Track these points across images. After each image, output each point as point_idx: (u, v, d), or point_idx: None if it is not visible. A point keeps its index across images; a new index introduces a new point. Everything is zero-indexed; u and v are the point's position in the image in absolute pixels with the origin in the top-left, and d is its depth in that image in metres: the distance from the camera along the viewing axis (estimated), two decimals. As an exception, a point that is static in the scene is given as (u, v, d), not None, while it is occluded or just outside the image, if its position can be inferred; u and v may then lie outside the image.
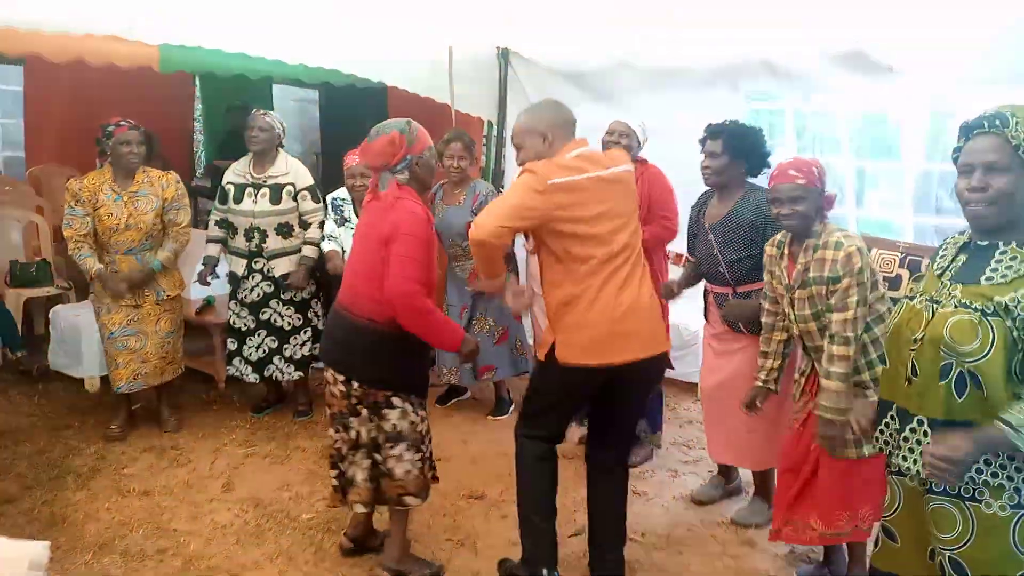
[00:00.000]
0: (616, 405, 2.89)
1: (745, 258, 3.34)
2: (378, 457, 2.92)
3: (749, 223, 3.31)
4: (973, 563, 1.87)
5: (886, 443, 2.06)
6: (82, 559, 3.13)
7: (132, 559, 3.15)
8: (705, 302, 3.62)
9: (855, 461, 2.76)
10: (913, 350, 1.93)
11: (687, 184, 3.74)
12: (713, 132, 3.39)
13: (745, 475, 3.79)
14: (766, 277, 2.99)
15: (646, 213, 3.81)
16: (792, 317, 2.85)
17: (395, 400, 2.87)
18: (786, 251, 2.88)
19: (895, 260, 3.90)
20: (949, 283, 1.92)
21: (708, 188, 3.52)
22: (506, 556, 3.10)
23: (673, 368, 3.85)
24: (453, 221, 4.39)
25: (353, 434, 2.93)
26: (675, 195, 3.91)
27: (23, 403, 4.68)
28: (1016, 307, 1.79)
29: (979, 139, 1.89)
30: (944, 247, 2.05)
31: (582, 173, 2.68)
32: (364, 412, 2.89)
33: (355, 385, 2.88)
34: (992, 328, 1.80)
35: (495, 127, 5.31)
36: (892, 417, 2.02)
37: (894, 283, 3.70)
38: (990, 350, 1.80)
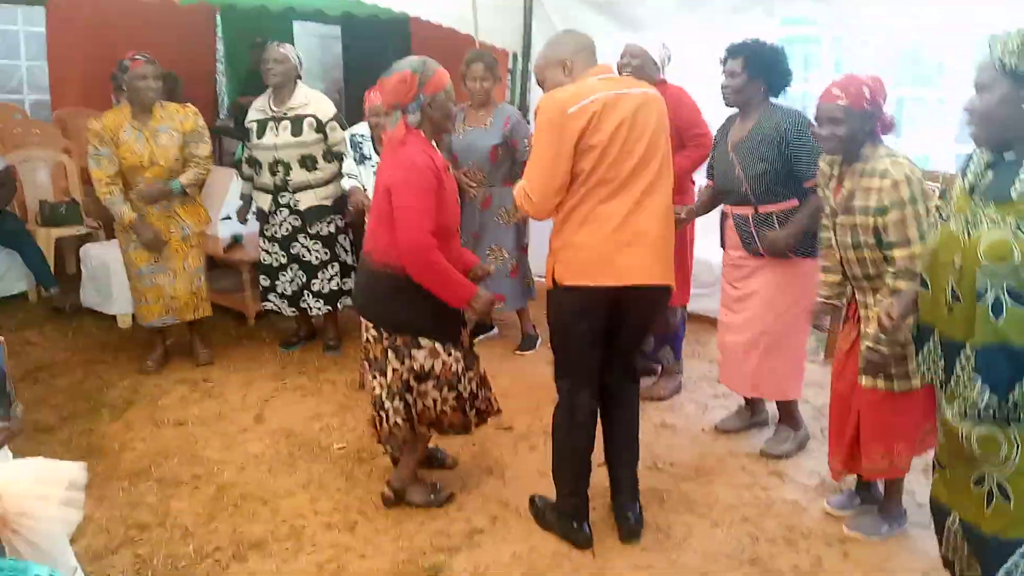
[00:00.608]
0: (617, 329, 2.82)
1: (763, 173, 3.25)
2: (409, 398, 2.91)
3: (769, 137, 3.23)
4: (1016, 485, 1.86)
5: (928, 369, 2.01)
6: (119, 485, 3.21)
7: (167, 486, 3.22)
8: (722, 228, 3.55)
9: (890, 395, 2.70)
10: (954, 273, 1.88)
11: (722, 111, 3.62)
12: (734, 51, 3.29)
13: (771, 407, 3.76)
14: (820, 193, 2.88)
15: (675, 136, 3.73)
16: (835, 243, 2.76)
17: (422, 340, 2.86)
18: (835, 172, 2.75)
19: (935, 192, 3.79)
20: (981, 201, 1.87)
21: (732, 112, 3.44)
22: (536, 492, 3.11)
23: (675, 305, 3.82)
24: (476, 143, 4.30)
25: (390, 376, 2.90)
26: (700, 111, 3.79)
27: (58, 339, 4.76)
28: None
29: (982, 61, 1.87)
30: (972, 161, 1.97)
31: (602, 91, 2.60)
32: (392, 353, 2.88)
33: (382, 331, 2.89)
34: None
35: (520, 60, 5.18)
36: (935, 344, 1.97)
37: (934, 214, 3.60)
38: None
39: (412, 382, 2.89)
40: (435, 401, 2.92)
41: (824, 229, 2.92)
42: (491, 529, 2.98)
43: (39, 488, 1.96)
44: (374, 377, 2.95)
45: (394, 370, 2.88)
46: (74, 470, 2.11)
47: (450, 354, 2.90)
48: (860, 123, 2.59)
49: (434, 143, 2.86)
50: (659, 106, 2.73)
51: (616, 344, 2.86)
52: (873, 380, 2.71)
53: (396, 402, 2.90)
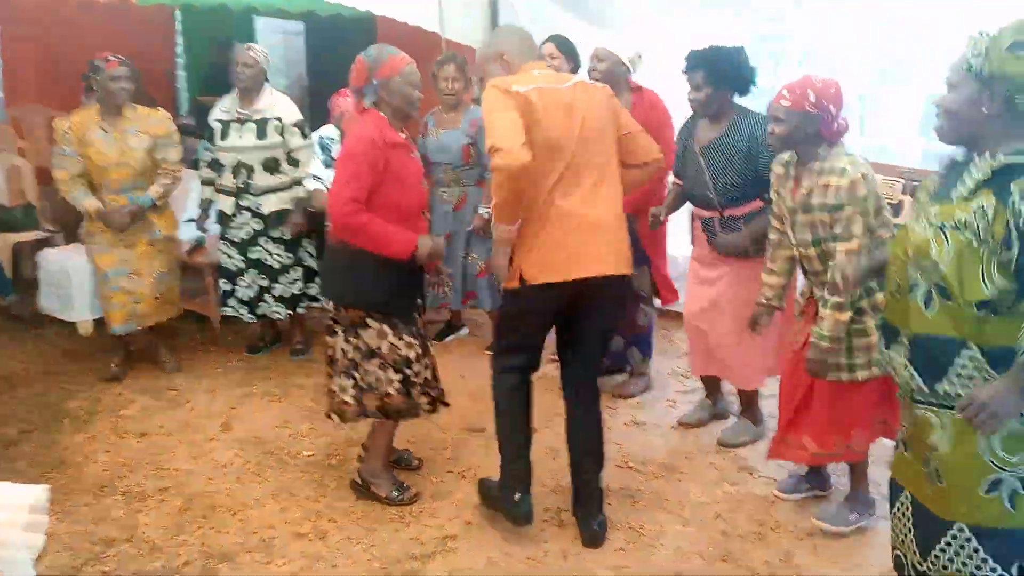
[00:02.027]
0: (578, 325, 2.85)
1: (734, 184, 3.31)
2: (356, 375, 2.96)
3: (743, 151, 3.27)
4: (946, 468, 1.94)
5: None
6: (83, 500, 3.14)
7: (133, 499, 3.16)
8: (692, 226, 3.58)
9: (847, 384, 2.79)
10: (896, 268, 1.98)
11: (689, 111, 3.64)
12: (692, 64, 3.30)
13: (731, 400, 3.84)
14: (773, 196, 2.94)
15: None
16: (792, 240, 2.83)
17: (369, 321, 2.90)
18: (792, 172, 2.81)
19: (896, 186, 3.86)
20: (931, 201, 1.96)
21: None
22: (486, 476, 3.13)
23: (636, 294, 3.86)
24: (448, 144, 4.31)
25: (329, 352, 3.00)
26: (672, 124, 3.79)
27: (16, 349, 4.65)
28: (974, 218, 1.80)
29: (956, 59, 1.93)
30: (943, 165, 2.06)
31: (542, 83, 2.66)
32: (340, 332, 2.95)
33: (334, 307, 2.98)
34: (947, 239, 1.83)
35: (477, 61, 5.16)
36: (891, 337, 2.05)
37: (895, 210, 3.67)
38: (948, 259, 1.83)
39: (359, 360, 2.93)
40: (378, 380, 2.94)
41: (773, 231, 2.99)
42: (465, 535, 2.97)
43: (1, 515, 1.92)
44: (327, 350, 3.03)
45: (342, 349, 2.95)
46: (36, 493, 2.07)
47: (400, 338, 2.93)
48: (800, 124, 2.66)
49: (403, 132, 2.90)
50: (598, 95, 2.78)
51: (577, 343, 2.88)
52: (836, 373, 2.79)
53: (344, 379, 2.97)
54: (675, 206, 3.69)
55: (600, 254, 2.70)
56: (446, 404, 3.20)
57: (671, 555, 2.88)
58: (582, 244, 2.67)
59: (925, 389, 1.94)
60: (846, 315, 2.64)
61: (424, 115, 4.44)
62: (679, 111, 3.75)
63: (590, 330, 2.88)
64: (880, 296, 2.50)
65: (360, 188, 2.74)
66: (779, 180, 2.89)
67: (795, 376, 2.96)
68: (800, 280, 3.02)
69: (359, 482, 3.16)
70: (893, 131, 4.78)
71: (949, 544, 1.95)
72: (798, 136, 2.68)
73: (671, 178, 3.76)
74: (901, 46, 4.60)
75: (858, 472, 3.00)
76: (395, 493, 3.12)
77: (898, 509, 2.14)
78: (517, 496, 2.88)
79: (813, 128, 2.66)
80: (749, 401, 3.69)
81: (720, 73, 3.27)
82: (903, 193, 3.84)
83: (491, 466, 3.35)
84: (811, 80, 2.70)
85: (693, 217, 3.56)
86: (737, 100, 3.38)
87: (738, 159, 3.28)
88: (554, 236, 2.66)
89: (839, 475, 3.20)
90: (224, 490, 3.23)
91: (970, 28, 1.91)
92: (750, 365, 3.54)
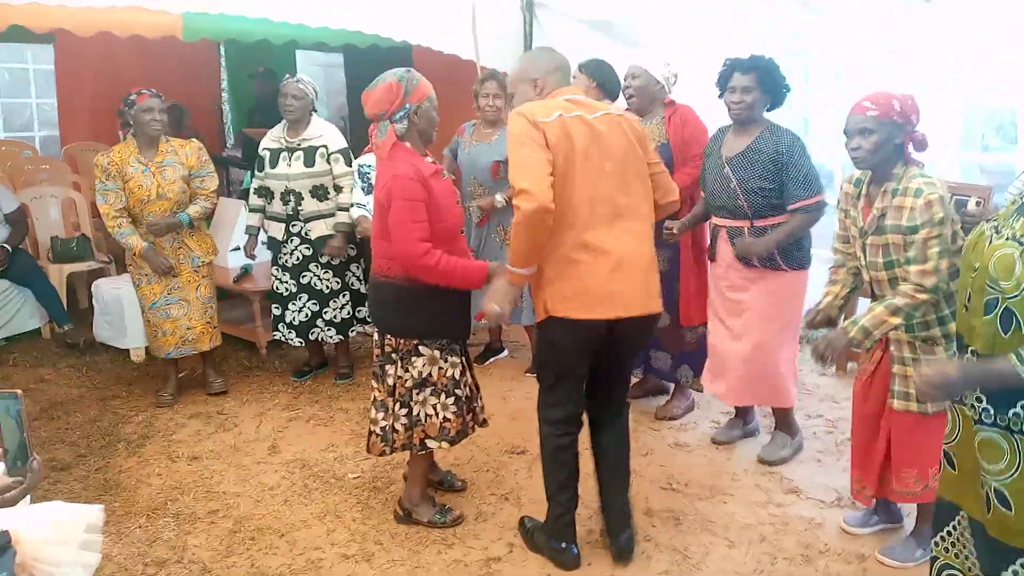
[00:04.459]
0: (614, 358, 2.83)
1: (764, 190, 3.30)
2: (412, 405, 2.98)
3: (769, 157, 3.28)
4: (1017, 494, 1.84)
5: None
6: (136, 523, 3.22)
7: (184, 521, 3.23)
8: (713, 241, 3.56)
9: (922, 417, 2.67)
10: (972, 278, 1.87)
11: (717, 124, 3.65)
12: (745, 67, 3.31)
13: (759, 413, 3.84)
14: (839, 215, 2.85)
15: (678, 155, 3.75)
16: (864, 263, 2.71)
17: (421, 348, 2.93)
18: (864, 191, 2.71)
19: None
20: (1015, 213, 1.84)
21: (725, 124, 3.49)
22: (527, 514, 3.13)
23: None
24: (479, 157, 4.38)
25: (390, 381, 2.99)
26: (706, 131, 3.79)
27: (72, 375, 4.79)
28: None
29: None
30: None
31: (569, 112, 2.59)
32: (397, 361, 2.96)
33: (388, 337, 2.98)
34: None
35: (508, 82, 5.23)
36: (960, 348, 1.97)
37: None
38: None
39: (411, 388, 2.96)
40: (435, 408, 2.97)
41: (836, 252, 2.92)
42: (508, 557, 2.97)
43: (57, 533, 1.98)
44: (376, 382, 3.04)
45: (398, 377, 2.96)
46: (92, 512, 2.13)
47: (446, 360, 2.96)
48: (889, 134, 2.53)
49: (428, 156, 2.93)
50: (627, 126, 2.70)
51: (602, 374, 2.87)
52: (906, 402, 2.68)
53: (399, 408, 2.99)
54: (699, 221, 3.68)
55: (630, 294, 2.65)
56: (485, 423, 3.21)
57: (717, 577, 2.85)
58: (611, 283, 2.61)
59: (992, 413, 1.85)
60: (895, 320, 2.52)
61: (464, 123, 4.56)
62: (711, 125, 3.77)
63: (615, 364, 2.87)
64: (953, 326, 2.36)
65: (424, 227, 2.75)
66: (848, 199, 2.78)
67: (866, 408, 2.86)
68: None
69: (400, 511, 3.18)
70: (933, 145, 4.71)
71: (1017, 573, 1.87)
72: (887, 148, 2.54)
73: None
74: (933, 60, 4.55)
75: (926, 507, 2.87)
76: (437, 516, 3.14)
77: (954, 529, 2.06)
78: (565, 544, 2.89)
79: (899, 139, 2.54)
80: (784, 416, 3.66)
81: (770, 78, 3.29)
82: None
83: (533, 487, 3.37)
84: (890, 92, 2.58)
85: (716, 229, 3.52)
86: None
87: (766, 166, 3.28)
88: (582, 273, 2.61)
89: (909, 509, 3.09)
90: (272, 512, 3.29)
91: (1008, 43, 1.85)
92: (780, 383, 3.51)
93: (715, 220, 3.53)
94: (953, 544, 2.05)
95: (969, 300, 1.89)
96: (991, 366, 1.78)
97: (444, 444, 3.03)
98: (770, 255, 3.35)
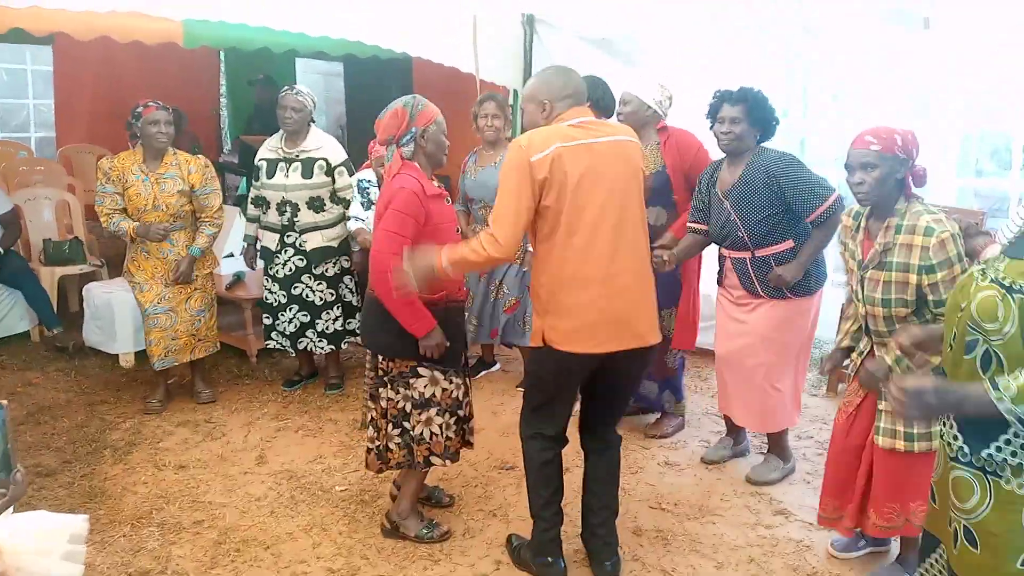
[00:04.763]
0: (601, 389, 2.82)
1: (763, 219, 3.30)
2: (407, 425, 2.97)
3: (762, 183, 3.27)
4: (983, 534, 1.87)
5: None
6: (120, 531, 3.19)
7: (169, 531, 3.20)
8: (721, 267, 3.57)
9: (906, 455, 2.66)
10: (958, 318, 1.88)
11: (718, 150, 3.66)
12: (734, 98, 3.31)
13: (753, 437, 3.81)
14: (839, 248, 2.85)
15: (682, 180, 3.75)
16: (859, 296, 2.69)
17: (421, 370, 2.93)
18: (863, 224, 2.69)
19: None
20: (1000, 255, 1.84)
21: (718, 158, 3.48)
22: (515, 532, 3.12)
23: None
24: (487, 182, 4.33)
25: (383, 403, 2.99)
26: (706, 151, 3.78)
27: (60, 379, 4.76)
28: None
29: None
30: (1020, 212, 1.91)
31: (569, 141, 2.56)
32: (390, 384, 2.96)
33: (381, 358, 2.97)
34: (1014, 306, 1.73)
35: (521, 97, 5.24)
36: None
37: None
38: (1010, 329, 1.73)
39: (410, 410, 2.95)
40: (441, 427, 2.97)
41: (847, 284, 2.91)
42: (496, 574, 2.96)
43: (40, 543, 1.96)
44: (372, 401, 3.04)
45: (389, 399, 2.96)
46: (75, 523, 2.10)
47: (451, 381, 2.96)
48: (891, 168, 2.51)
49: (433, 178, 2.94)
50: (628, 152, 2.68)
51: (602, 403, 2.87)
52: (892, 440, 2.67)
53: (391, 429, 2.98)
54: (689, 254, 3.65)
55: (634, 324, 2.65)
56: (470, 444, 3.19)
57: (704, 599, 2.84)
58: (615, 312, 2.61)
59: (967, 452, 1.86)
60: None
61: (467, 154, 4.53)
62: (708, 147, 3.77)
63: (613, 394, 2.87)
64: None
65: (403, 243, 2.74)
66: (846, 232, 2.77)
67: (848, 442, 2.85)
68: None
69: (387, 524, 3.16)
70: (928, 169, 4.74)
71: None
72: (890, 183, 2.52)
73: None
74: (931, 84, 4.58)
75: (911, 540, 2.86)
76: (424, 531, 3.12)
77: (936, 562, 2.07)
78: (551, 559, 2.88)
79: (901, 174, 2.52)
80: (777, 438, 3.66)
81: (759, 110, 3.30)
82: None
83: (521, 504, 3.34)
84: (889, 126, 2.57)
85: (722, 258, 3.54)
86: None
87: (760, 195, 3.28)
88: (579, 303, 2.60)
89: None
90: (258, 524, 3.26)
91: (1005, 68, 1.86)
92: (778, 409, 3.51)
93: (721, 249, 3.53)
94: (936, 573, 2.06)
95: (954, 339, 1.89)
96: (967, 391, 1.79)
97: (448, 462, 3.04)
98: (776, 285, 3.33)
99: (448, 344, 2.89)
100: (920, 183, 2.57)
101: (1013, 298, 1.74)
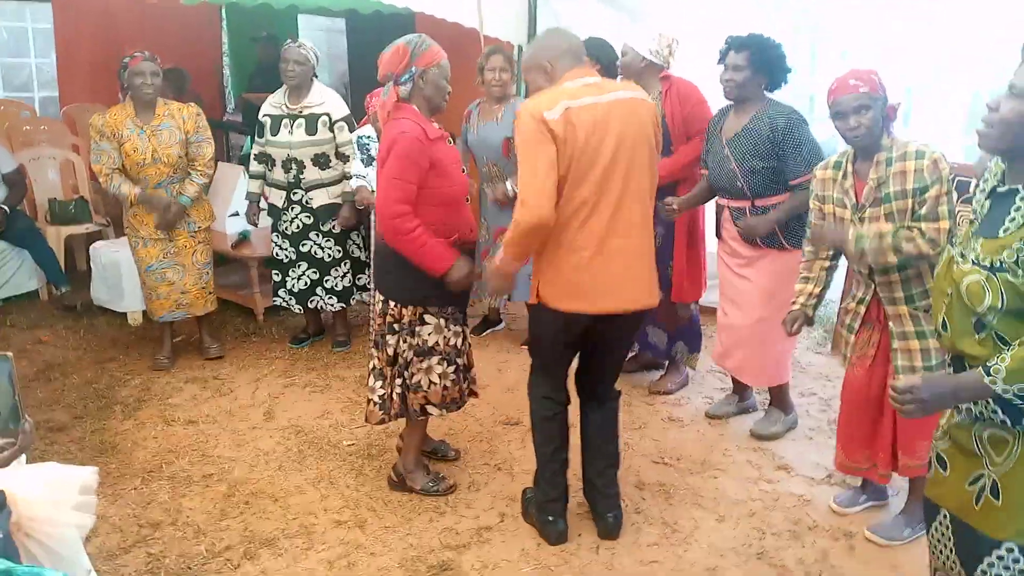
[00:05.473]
0: (597, 348, 2.84)
1: (762, 170, 3.30)
2: (407, 373, 3.00)
3: (765, 136, 3.27)
4: (1006, 485, 1.86)
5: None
6: (131, 484, 3.25)
7: (179, 484, 3.26)
8: (718, 219, 3.58)
9: None
10: (946, 303, 1.87)
11: (724, 103, 3.61)
12: (738, 45, 3.28)
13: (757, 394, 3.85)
14: (813, 203, 2.85)
15: (681, 130, 3.72)
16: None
17: (427, 317, 2.94)
18: (850, 169, 2.70)
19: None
20: (973, 236, 1.83)
21: (728, 103, 3.45)
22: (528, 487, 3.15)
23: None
24: (489, 138, 4.32)
25: (390, 351, 3.00)
26: (707, 105, 3.74)
27: (69, 337, 4.80)
28: (1019, 256, 1.68)
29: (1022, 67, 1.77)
30: (983, 181, 1.92)
31: (576, 99, 2.53)
32: (399, 330, 2.96)
33: (391, 304, 2.97)
34: (1000, 284, 1.72)
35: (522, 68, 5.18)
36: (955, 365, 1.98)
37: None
38: (1001, 306, 1.73)
39: (411, 358, 2.97)
40: (440, 376, 2.99)
41: (805, 244, 2.94)
42: (500, 526, 3.01)
43: (52, 494, 2.00)
44: (376, 348, 3.06)
45: (399, 347, 2.97)
46: (86, 474, 2.15)
47: (450, 328, 2.98)
48: (881, 109, 2.59)
49: (437, 123, 2.91)
50: (640, 112, 2.64)
51: (595, 362, 2.89)
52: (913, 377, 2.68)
53: (396, 379, 3.01)
54: (701, 200, 3.67)
55: (627, 287, 2.64)
56: (476, 394, 3.25)
57: (704, 551, 2.88)
58: (609, 274, 2.60)
59: (1009, 424, 1.84)
60: (892, 259, 2.53)
61: (468, 105, 4.49)
62: (715, 102, 3.72)
63: (609, 354, 2.89)
64: None
65: (408, 189, 2.74)
66: (826, 184, 2.77)
67: (868, 394, 2.85)
68: (855, 286, 2.86)
69: (395, 478, 3.21)
70: (937, 126, 4.68)
71: (998, 560, 1.87)
72: (879, 121, 2.58)
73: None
74: (942, 42, 4.50)
75: (917, 485, 2.89)
76: (430, 484, 3.17)
77: (936, 529, 2.09)
78: (552, 518, 2.91)
79: (884, 111, 2.60)
80: (779, 391, 3.69)
81: (763, 59, 3.27)
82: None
83: (526, 458, 3.39)
84: (861, 69, 2.63)
85: (720, 208, 3.54)
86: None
87: (760, 145, 3.27)
88: (576, 265, 2.60)
89: (895, 487, 3.12)
90: (266, 477, 3.32)
91: (1018, 24, 1.80)
92: (776, 363, 3.54)
93: (719, 200, 3.52)
94: (938, 542, 2.08)
95: (944, 326, 1.88)
96: (959, 380, 1.80)
97: (444, 411, 3.07)
98: (772, 234, 3.34)
99: (477, 273, 2.93)
100: (894, 117, 2.63)
101: (996, 276, 1.74)
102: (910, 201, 2.56)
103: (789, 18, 4.50)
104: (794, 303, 3.00)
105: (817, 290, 2.96)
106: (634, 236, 2.64)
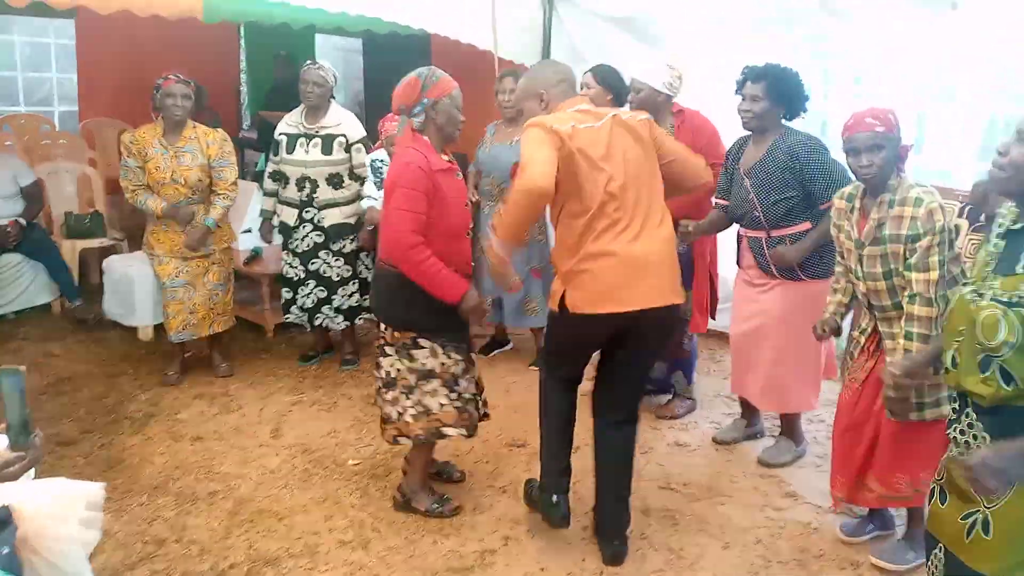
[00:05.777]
0: (623, 353, 2.85)
1: (780, 201, 3.29)
2: (415, 397, 3.00)
3: (783, 166, 3.26)
4: (997, 522, 1.87)
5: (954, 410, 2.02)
6: (137, 500, 3.25)
7: (184, 501, 3.26)
8: (738, 247, 3.58)
9: (916, 424, 2.67)
10: (958, 341, 1.88)
11: (741, 131, 3.62)
12: (756, 75, 3.29)
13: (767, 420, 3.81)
14: (833, 231, 2.88)
15: None
16: (859, 274, 2.73)
17: (421, 341, 2.96)
18: (857, 204, 2.73)
19: (953, 210, 3.77)
20: (991, 274, 1.86)
21: (746, 133, 3.46)
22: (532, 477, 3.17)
23: (687, 319, 3.86)
24: (500, 158, 4.35)
25: (383, 372, 3.03)
26: (720, 143, 3.76)
27: (80, 351, 4.84)
28: None
29: None
30: (997, 225, 1.94)
31: (580, 123, 2.66)
32: (393, 353, 2.99)
33: (383, 327, 3.03)
34: (1016, 319, 1.74)
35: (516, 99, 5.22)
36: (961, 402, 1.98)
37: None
38: (1016, 340, 1.73)
39: (415, 382, 2.99)
40: (448, 398, 3.00)
41: (838, 265, 2.94)
42: (503, 549, 2.99)
43: (58, 509, 2.00)
44: (376, 369, 3.09)
45: (398, 370, 2.99)
46: (93, 490, 2.15)
47: (449, 356, 2.98)
48: (894, 149, 2.60)
49: (445, 154, 2.95)
50: (637, 128, 2.75)
51: (620, 369, 2.89)
52: (907, 414, 2.66)
53: (404, 400, 3.02)
54: (712, 229, 3.67)
55: (648, 287, 2.69)
56: (488, 416, 3.26)
57: (710, 579, 2.86)
58: (630, 279, 2.66)
59: None
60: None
61: (483, 126, 4.54)
62: (730, 128, 3.73)
63: (635, 358, 2.89)
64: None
65: (419, 219, 2.78)
66: (840, 214, 2.81)
67: (855, 415, 2.85)
68: (861, 316, 2.91)
69: (399, 498, 3.21)
70: (951, 153, 4.66)
71: None
72: (893, 161, 2.60)
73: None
74: (957, 68, 4.49)
75: (918, 512, 2.89)
76: (435, 506, 3.16)
77: (931, 561, 2.09)
78: (555, 498, 2.91)
79: (898, 153, 2.61)
80: (790, 420, 3.66)
81: (781, 89, 3.27)
82: (959, 216, 3.76)
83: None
84: (880, 107, 2.64)
85: (740, 237, 3.55)
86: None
87: (780, 178, 3.26)
88: (601, 270, 2.66)
89: (900, 516, 3.09)
90: (271, 496, 3.32)
91: None
92: (792, 390, 3.51)
93: (739, 228, 3.54)
94: (932, 573, 2.08)
95: (953, 363, 1.89)
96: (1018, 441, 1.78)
97: (464, 433, 3.07)
98: (800, 264, 3.32)
99: (484, 305, 2.95)
100: (905, 158, 2.64)
101: (1012, 311, 1.75)
102: (902, 247, 2.59)
103: (803, 43, 4.51)
104: (824, 312, 3.01)
105: (845, 300, 2.97)
106: (655, 238, 2.71)
